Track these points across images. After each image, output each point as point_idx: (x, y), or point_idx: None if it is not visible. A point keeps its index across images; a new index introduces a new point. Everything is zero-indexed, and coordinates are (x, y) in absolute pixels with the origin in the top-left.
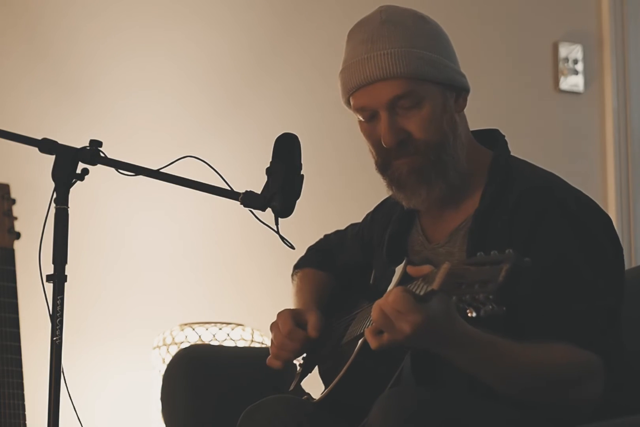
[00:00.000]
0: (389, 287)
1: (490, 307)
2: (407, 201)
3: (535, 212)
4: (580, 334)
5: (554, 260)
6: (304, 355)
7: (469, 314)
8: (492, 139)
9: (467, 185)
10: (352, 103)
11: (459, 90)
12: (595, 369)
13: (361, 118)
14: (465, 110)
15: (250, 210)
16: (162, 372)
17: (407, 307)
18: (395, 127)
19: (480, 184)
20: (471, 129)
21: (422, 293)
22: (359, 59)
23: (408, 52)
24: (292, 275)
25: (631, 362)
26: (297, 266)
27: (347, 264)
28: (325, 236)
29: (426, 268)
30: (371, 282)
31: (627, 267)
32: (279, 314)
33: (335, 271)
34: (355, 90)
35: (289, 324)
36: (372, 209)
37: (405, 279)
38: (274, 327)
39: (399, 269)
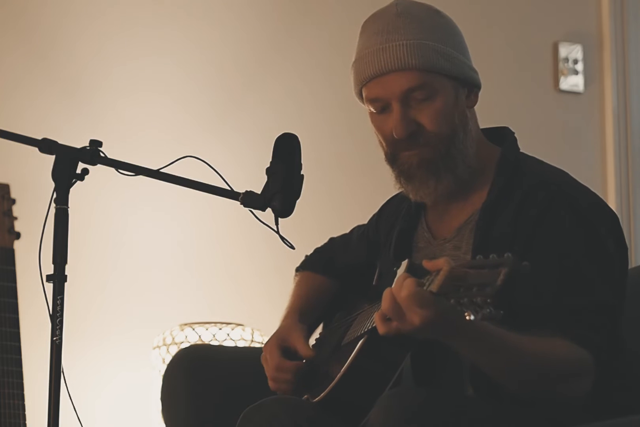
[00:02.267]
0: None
1: (488, 310)
2: (415, 193)
3: (541, 208)
4: (574, 330)
5: (556, 255)
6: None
7: (467, 317)
8: (502, 136)
9: (475, 181)
10: (364, 94)
11: (471, 86)
12: (588, 367)
13: (373, 109)
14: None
15: (250, 211)
16: (162, 372)
17: (421, 302)
18: (407, 119)
19: (488, 180)
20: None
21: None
22: (373, 50)
23: (424, 44)
24: (294, 277)
25: (634, 363)
26: (298, 269)
27: (351, 265)
28: (331, 238)
29: (441, 262)
30: (374, 281)
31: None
32: (265, 347)
33: (337, 272)
34: (368, 80)
35: (275, 357)
36: (372, 208)
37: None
38: (263, 360)
39: (401, 269)
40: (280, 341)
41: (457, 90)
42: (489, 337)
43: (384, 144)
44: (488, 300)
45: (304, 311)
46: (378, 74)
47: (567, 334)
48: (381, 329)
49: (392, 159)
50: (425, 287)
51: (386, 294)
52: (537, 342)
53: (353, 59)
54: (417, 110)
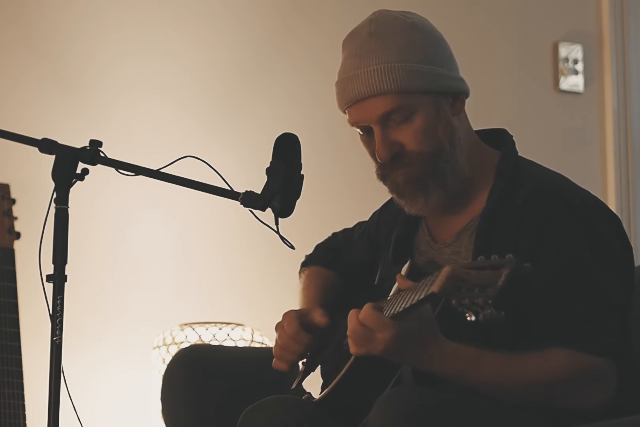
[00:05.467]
0: (393, 288)
1: (489, 311)
2: (408, 208)
3: (544, 214)
4: (591, 335)
5: (563, 261)
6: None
7: (468, 318)
8: (499, 139)
9: (473, 185)
10: (347, 118)
11: (455, 95)
12: (601, 373)
13: (359, 131)
14: (465, 110)
15: (250, 211)
16: (162, 372)
17: (376, 325)
18: (388, 142)
19: (486, 184)
20: (477, 128)
21: (418, 299)
22: (348, 76)
23: (395, 67)
24: (300, 272)
25: (636, 364)
26: (305, 264)
27: (353, 263)
28: (333, 234)
29: (409, 283)
30: (376, 281)
31: None
32: (285, 315)
33: (342, 270)
34: (347, 106)
35: (294, 325)
36: (372, 208)
37: (409, 278)
38: (278, 327)
39: (403, 270)
40: (301, 315)
41: (437, 103)
42: (465, 358)
43: (373, 163)
44: (489, 301)
45: (322, 302)
46: (354, 101)
47: (583, 340)
48: (353, 350)
49: (382, 178)
50: (387, 312)
51: (348, 319)
52: (530, 359)
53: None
54: (397, 131)
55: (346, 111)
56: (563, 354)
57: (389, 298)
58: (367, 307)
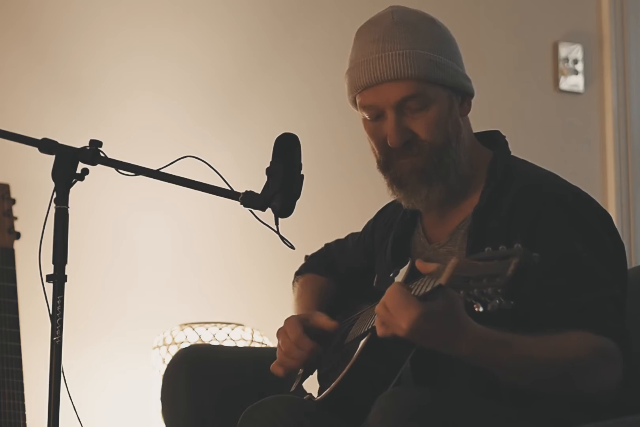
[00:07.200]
0: None
1: (498, 301)
2: (406, 200)
3: (534, 209)
4: (593, 322)
5: (558, 255)
6: None
7: (476, 309)
8: (493, 140)
9: (468, 186)
10: (358, 101)
11: (464, 95)
12: (613, 355)
13: (367, 116)
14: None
15: (250, 211)
16: (162, 372)
17: (403, 302)
18: (401, 128)
19: (480, 184)
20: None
21: (428, 289)
22: (369, 58)
23: (420, 54)
24: (293, 281)
25: (634, 361)
26: (298, 273)
27: (349, 269)
28: (326, 244)
29: (433, 266)
30: (374, 284)
31: (628, 265)
32: (287, 321)
33: (337, 277)
34: (363, 89)
35: (297, 331)
36: (372, 208)
37: (409, 278)
38: (281, 333)
39: (402, 271)
40: (303, 320)
41: (451, 99)
42: (492, 340)
43: (376, 151)
44: (498, 290)
45: (318, 308)
46: (373, 83)
47: (584, 327)
48: (379, 331)
49: (385, 166)
50: (414, 292)
51: (381, 300)
52: (552, 339)
53: (347, 67)
54: (411, 119)
55: (357, 96)
56: (581, 335)
57: None
58: (395, 284)
